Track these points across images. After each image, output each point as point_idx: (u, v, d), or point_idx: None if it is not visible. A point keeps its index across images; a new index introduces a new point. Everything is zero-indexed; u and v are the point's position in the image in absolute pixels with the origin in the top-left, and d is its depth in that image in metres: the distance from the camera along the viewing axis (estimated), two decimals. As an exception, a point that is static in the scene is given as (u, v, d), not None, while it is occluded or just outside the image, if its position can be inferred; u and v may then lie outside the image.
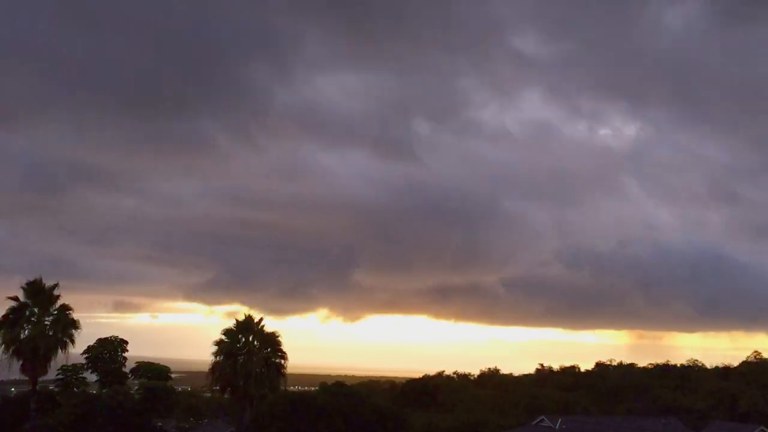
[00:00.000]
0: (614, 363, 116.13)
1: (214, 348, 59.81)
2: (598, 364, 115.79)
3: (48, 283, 60.78)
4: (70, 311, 60.39)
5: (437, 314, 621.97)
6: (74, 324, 60.58)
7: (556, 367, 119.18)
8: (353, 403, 64.27)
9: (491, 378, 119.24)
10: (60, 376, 67.21)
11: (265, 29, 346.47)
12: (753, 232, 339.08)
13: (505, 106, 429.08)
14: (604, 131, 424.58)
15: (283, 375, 60.97)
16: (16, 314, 59.04)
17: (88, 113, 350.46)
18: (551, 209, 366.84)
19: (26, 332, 58.76)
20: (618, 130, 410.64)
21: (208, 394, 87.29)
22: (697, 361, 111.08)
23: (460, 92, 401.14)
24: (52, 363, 60.72)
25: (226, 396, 65.48)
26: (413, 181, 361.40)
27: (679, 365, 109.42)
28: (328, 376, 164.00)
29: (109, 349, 70.60)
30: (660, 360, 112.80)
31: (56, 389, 68.04)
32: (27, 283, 60.24)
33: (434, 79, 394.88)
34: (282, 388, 62.82)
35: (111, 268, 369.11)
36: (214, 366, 59.44)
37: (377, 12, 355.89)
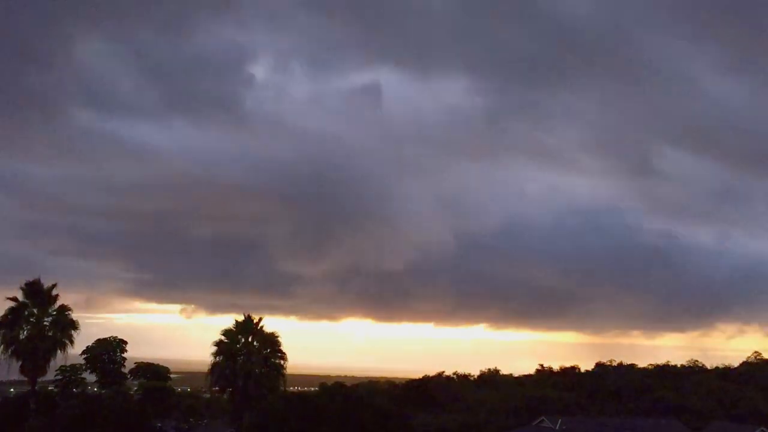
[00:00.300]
0: (614, 363, 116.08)
1: (213, 348, 59.77)
2: (598, 365, 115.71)
3: (47, 283, 60.75)
4: (69, 311, 60.34)
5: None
6: (73, 324, 60.51)
7: (555, 367, 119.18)
8: (353, 404, 64.12)
9: (491, 378, 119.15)
10: (59, 377, 67.05)
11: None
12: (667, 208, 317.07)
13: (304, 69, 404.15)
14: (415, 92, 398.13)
15: (283, 375, 60.93)
16: (15, 315, 58.94)
17: None
18: (423, 185, 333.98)
19: (25, 333, 58.67)
20: (436, 89, 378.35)
21: (207, 395, 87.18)
22: (697, 361, 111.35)
23: (251, 55, 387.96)
24: (51, 363, 60.63)
25: (225, 396, 65.41)
26: (251, 155, 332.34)
27: (679, 365, 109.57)
28: (328, 376, 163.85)
29: (109, 349, 70.41)
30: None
31: (55, 390, 67.89)
32: (26, 284, 60.17)
33: (223, 42, 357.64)
34: (281, 388, 62.75)
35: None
36: (214, 366, 59.38)
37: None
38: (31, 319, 59.29)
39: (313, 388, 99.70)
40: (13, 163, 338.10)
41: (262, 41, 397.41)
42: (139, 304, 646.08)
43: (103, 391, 65.07)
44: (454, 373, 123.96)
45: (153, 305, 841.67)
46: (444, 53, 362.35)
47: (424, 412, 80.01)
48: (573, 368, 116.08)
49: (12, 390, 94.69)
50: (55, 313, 60.05)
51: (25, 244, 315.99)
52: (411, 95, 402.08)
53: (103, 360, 69.49)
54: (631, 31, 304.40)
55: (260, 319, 61.03)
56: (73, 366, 67.29)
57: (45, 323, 59.45)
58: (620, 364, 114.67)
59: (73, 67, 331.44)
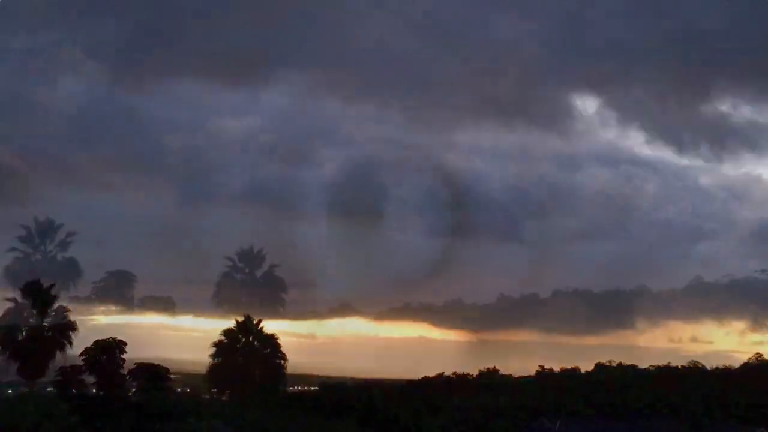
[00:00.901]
0: (614, 364, 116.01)
1: (213, 349, 59.72)
2: (598, 365, 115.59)
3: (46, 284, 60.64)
4: (69, 312, 60.22)
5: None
6: (73, 326, 60.39)
7: (555, 368, 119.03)
8: (354, 404, 64.10)
9: (491, 379, 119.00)
10: (58, 377, 66.89)
11: None
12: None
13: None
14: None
15: (284, 375, 60.90)
16: (14, 315, 58.85)
17: None
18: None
19: (24, 334, 58.58)
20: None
21: (207, 396, 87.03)
22: (697, 362, 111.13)
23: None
24: (51, 364, 60.52)
25: (225, 397, 65.31)
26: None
27: (680, 366, 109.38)
28: (328, 377, 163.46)
29: (108, 351, 70.26)
30: None
31: (54, 391, 67.69)
32: (25, 284, 60.08)
33: None
34: (282, 388, 62.71)
35: None
36: (214, 367, 59.33)
37: None
38: (30, 320, 59.19)
39: (313, 388, 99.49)
40: None
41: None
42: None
43: (102, 393, 64.93)
44: (454, 374, 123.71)
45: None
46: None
47: (423, 414, 79.86)
48: (573, 369, 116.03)
49: (10, 392, 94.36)
50: (53, 314, 59.95)
51: None
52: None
53: (102, 361, 69.40)
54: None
55: (260, 320, 61.07)
56: (73, 367, 67.15)
57: (44, 324, 59.34)
58: (620, 365, 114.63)
59: None
